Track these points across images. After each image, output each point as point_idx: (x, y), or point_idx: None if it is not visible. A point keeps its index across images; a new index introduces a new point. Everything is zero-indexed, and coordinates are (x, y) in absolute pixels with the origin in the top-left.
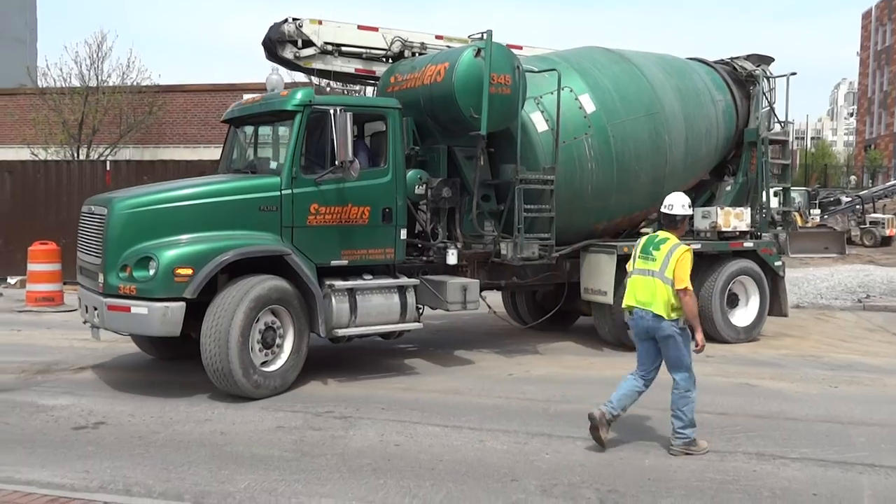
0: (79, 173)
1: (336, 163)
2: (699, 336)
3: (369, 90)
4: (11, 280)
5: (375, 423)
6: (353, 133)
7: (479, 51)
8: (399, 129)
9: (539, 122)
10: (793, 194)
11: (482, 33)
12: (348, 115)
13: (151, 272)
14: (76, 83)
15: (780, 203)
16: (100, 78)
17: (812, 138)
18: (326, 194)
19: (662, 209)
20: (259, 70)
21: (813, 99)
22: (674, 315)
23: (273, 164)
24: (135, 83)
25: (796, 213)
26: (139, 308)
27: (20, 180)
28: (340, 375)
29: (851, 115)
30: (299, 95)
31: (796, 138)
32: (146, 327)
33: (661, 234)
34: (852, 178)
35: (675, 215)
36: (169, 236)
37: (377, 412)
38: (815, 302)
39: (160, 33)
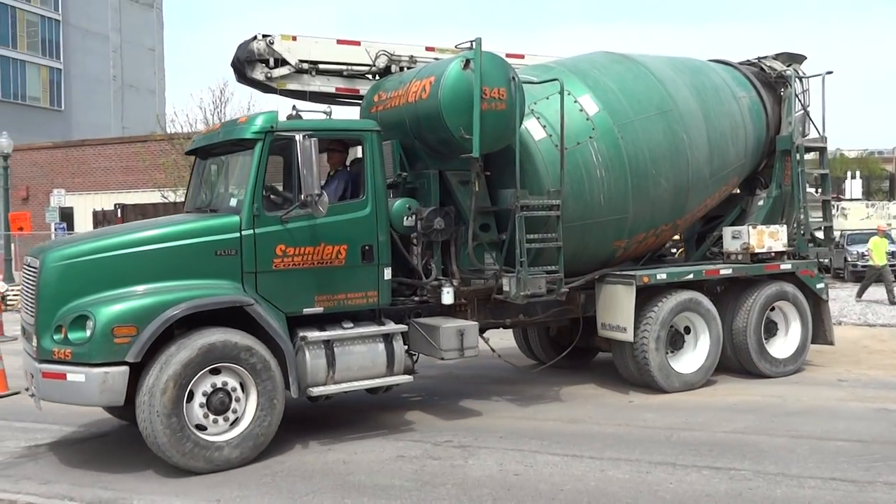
0: None
1: (302, 197)
2: None
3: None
4: None
5: (494, 452)
6: (319, 162)
7: (467, 62)
8: (378, 155)
9: (536, 130)
10: None
11: (471, 42)
12: (313, 141)
13: (88, 333)
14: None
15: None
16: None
17: None
18: (295, 233)
19: None
20: None
21: None
22: None
23: (233, 202)
24: None
25: None
26: (76, 375)
27: None
28: (455, 404)
29: None
30: (259, 121)
31: None
32: (84, 397)
33: None
34: None
35: None
36: (111, 290)
37: (496, 441)
38: None
39: None
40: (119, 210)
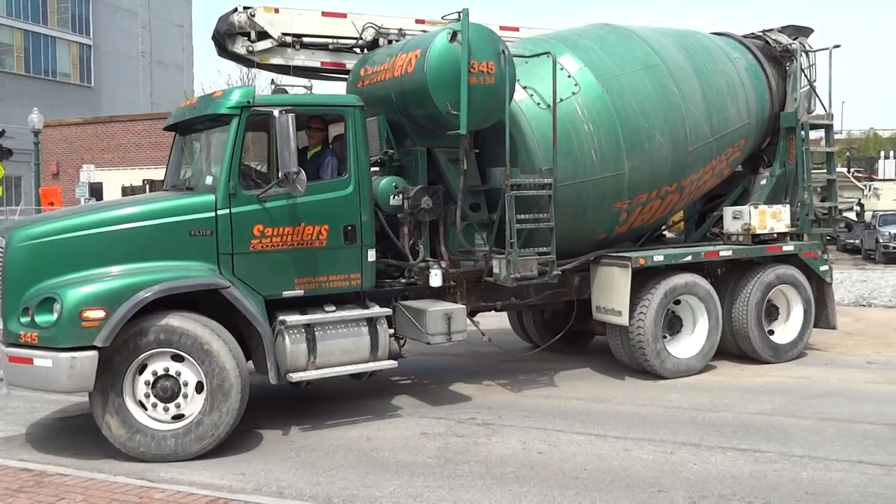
0: None
1: (280, 175)
2: None
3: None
4: None
5: (518, 431)
6: (297, 138)
7: (454, 34)
8: (361, 131)
9: (517, 91)
10: None
11: (458, 13)
12: (290, 117)
13: (55, 316)
14: None
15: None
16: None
17: None
18: (273, 213)
19: None
20: None
21: None
22: None
23: (209, 180)
24: None
25: None
26: (42, 360)
27: None
28: (481, 381)
29: None
30: (236, 95)
31: None
32: (52, 383)
33: None
34: None
35: None
36: (80, 271)
37: (519, 419)
38: None
39: None
40: (148, 185)
